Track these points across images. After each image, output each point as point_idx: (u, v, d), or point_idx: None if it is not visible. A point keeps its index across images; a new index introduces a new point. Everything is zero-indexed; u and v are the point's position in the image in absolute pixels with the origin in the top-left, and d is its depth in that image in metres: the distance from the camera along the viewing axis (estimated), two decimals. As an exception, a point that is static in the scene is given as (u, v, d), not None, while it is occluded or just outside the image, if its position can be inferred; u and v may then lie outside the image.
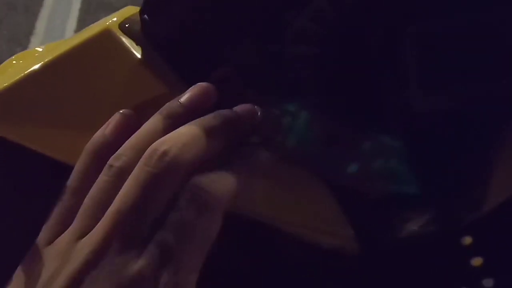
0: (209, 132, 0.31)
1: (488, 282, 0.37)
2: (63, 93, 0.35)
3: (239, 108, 0.34)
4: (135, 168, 0.30)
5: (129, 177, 0.30)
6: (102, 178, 0.31)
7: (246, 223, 0.35)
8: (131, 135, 0.33)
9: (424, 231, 0.37)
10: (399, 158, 0.36)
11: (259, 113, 0.34)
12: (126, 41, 0.35)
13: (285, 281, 0.39)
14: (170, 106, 0.33)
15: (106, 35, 0.34)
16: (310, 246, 0.38)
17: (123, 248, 0.29)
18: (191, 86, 0.34)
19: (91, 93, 0.35)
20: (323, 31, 0.35)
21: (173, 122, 0.32)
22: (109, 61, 0.35)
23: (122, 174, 0.31)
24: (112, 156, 0.32)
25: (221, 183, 0.31)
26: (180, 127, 0.32)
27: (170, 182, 0.30)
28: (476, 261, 0.37)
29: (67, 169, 0.34)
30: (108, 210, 0.30)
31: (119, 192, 0.30)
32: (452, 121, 0.35)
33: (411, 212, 0.37)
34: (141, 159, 0.30)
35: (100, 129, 0.34)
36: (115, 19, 0.36)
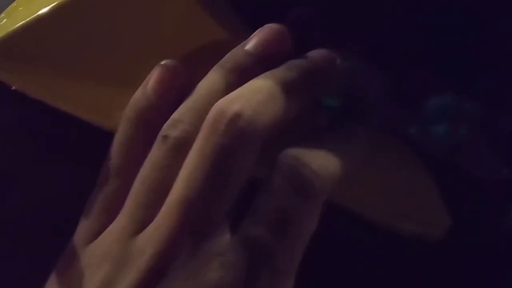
0: (288, 88, 0.24)
1: None
2: (92, 37, 0.27)
3: (316, 55, 0.26)
4: (198, 138, 0.23)
5: (192, 150, 0.23)
6: (156, 153, 0.24)
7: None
8: (182, 93, 0.25)
9: None
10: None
11: (338, 61, 0.26)
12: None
13: (355, 268, 0.33)
14: (234, 55, 0.25)
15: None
16: (387, 232, 0.31)
17: (198, 247, 0.22)
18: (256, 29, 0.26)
19: (127, 37, 0.28)
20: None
21: (240, 76, 0.25)
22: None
23: (181, 147, 0.23)
24: (166, 124, 0.24)
25: (328, 163, 0.23)
26: (250, 82, 0.24)
27: (248, 154, 0.23)
28: None
29: (97, 132, 0.27)
30: (170, 197, 0.23)
31: (181, 172, 0.23)
32: None
33: None
34: (204, 125, 0.23)
35: (139, 88, 0.26)
36: None
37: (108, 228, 0.24)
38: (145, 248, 0.22)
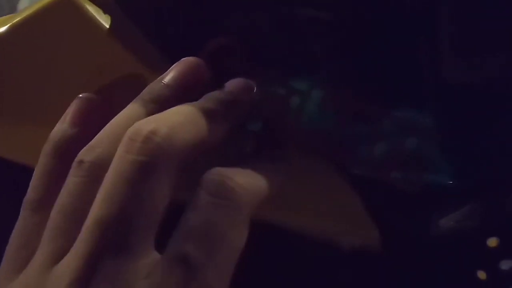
0: (206, 115, 0.24)
1: (506, 264, 0.32)
2: (10, 77, 0.28)
3: (232, 85, 0.27)
4: (115, 158, 0.23)
5: (108, 171, 0.23)
6: (72, 179, 0.24)
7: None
8: (100, 124, 0.25)
9: (461, 226, 0.32)
10: (435, 141, 0.30)
11: (255, 89, 0.27)
12: (90, 8, 0.27)
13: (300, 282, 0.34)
14: (152, 88, 0.26)
15: (64, 2, 0.27)
16: (327, 246, 0.32)
17: (120, 271, 0.21)
18: (174, 62, 0.27)
19: (46, 75, 0.28)
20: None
21: (159, 107, 0.25)
22: (69, 35, 0.28)
23: (97, 171, 0.23)
24: (82, 150, 0.24)
25: (251, 180, 0.24)
26: (169, 109, 0.24)
27: (166, 171, 0.22)
28: (492, 242, 0.32)
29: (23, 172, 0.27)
30: (87, 221, 0.22)
31: (98, 195, 0.22)
32: (494, 96, 0.30)
33: (448, 206, 0.31)
34: (120, 145, 0.23)
35: (58, 122, 0.26)
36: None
37: (30, 263, 0.24)
38: (62, 278, 0.22)
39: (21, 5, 0.61)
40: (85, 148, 0.24)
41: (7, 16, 0.33)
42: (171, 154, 0.22)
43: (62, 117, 0.26)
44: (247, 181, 0.24)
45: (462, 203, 0.31)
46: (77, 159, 0.24)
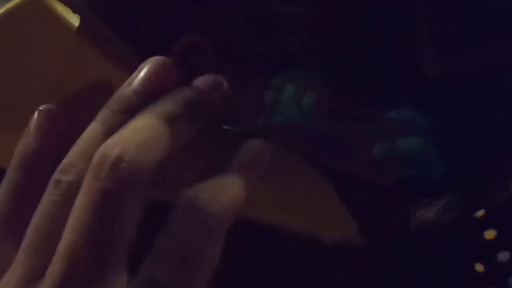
0: (172, 121, 0.24)
1: (503, 256, 0.33)
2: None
3: (201, 82, 0.26)
4: (84, 183, 0.23)
5: (79, 195, 0.23)
6: (48, 198, 0.24)
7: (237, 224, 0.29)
8: (65, 135, 0.26)
9: (440, 218, 0.32)
10: (412, 135, 0.30)
11: (225, 85, 0.27)
12: (60, 8, 0.27)
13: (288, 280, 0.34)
14: (120, 96, 0.26)
15: (33, 2, 0.27)
16: (311, 242, 0.32)
17: None
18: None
19: (14, 75, 0.28)
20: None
21: (128, 116, 0.25)
22: (38, 35, 0.27)
23: (74, 191, 0.23)
24: (59, 168, 0.24)
25: (224, 197, 0.24)
26: (132, 121, 0.24)
27: (135, 196, 0.23)
28: (489, 234, 0.32)
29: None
30: (60, 244, 0.22)
31: (70, 217, 0.23)
32: (473, 88, 0.29)
33: (426, 198, 0.31)
34: (89, 170, 0.23)
35: (23, 135, 0.27)
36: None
37: (2, 281, 0.24)
38: None
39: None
40: (61, 166, 0.24)
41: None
42: (138, 179, 0.23)
43: (26, 129, 0.26)
44: (222, 195, 0.24)
45: (440, 195, 0.31)
46: (54, 178, 0.24)
